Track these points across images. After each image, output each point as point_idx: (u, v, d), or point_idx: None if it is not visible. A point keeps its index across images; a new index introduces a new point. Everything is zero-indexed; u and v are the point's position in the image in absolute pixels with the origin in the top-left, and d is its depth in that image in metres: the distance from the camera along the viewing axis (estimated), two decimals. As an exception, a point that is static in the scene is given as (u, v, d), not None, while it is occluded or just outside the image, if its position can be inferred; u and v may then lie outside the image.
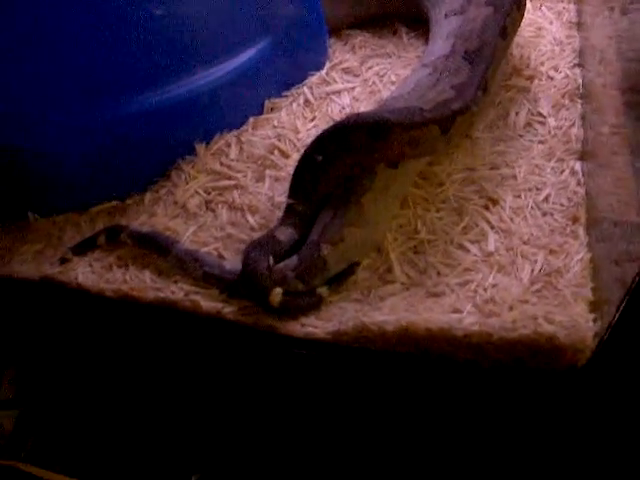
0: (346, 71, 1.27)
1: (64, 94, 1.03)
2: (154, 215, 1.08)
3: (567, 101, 1.16)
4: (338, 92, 1.22)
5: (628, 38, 1.18)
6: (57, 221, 1.10)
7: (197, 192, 1.10)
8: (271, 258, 0.94)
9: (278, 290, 0.90)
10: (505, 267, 0.94)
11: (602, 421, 0.84)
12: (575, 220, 0.99)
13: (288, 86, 1.24)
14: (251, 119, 1.19)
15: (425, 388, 0.90)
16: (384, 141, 0.94)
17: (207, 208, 1.08)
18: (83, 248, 1.04)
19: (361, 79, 1.25)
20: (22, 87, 1.00)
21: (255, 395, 0.96)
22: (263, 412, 0.97)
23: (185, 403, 1.00)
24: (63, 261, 1.02)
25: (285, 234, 0.97)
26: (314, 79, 1.26)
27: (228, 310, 0.94)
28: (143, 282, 0.99)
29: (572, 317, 0.83)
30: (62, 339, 1.02)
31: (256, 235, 1.01)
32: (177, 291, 0.97)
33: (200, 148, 1.14)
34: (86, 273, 1.01)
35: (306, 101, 1.22)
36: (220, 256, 1.00)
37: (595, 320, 0.84)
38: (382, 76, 1.24)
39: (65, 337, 1.01)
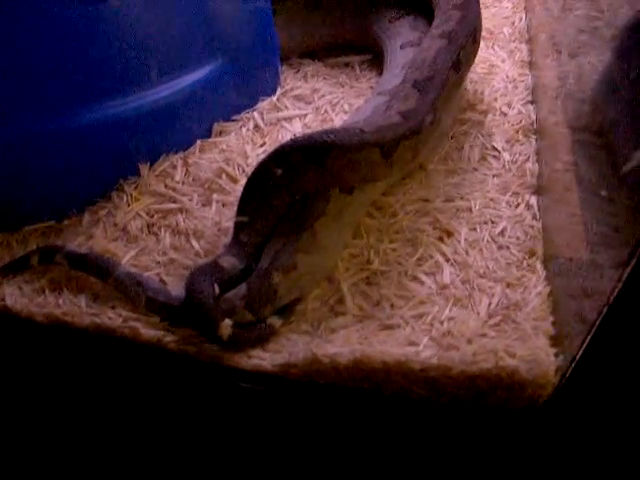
0: (298, 98, 1.24)
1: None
2: (92, 237, 1.02)
3: (521, 136, 1.16)
4: (289, 119, 1.19)
5: (577, 80, 1.19)
6: (-15, 240, 1.03)
7: (139, 214, 1.04)
8: (217, 287, 0.89)
9: (227, 322, 0.85)
10: (461, 300, 0.91)
11: (564, 462, 0.81)
12: (532, 254, 0.96)
13: (238, 110, 1.20)
14: (198, 142, 1.14)
15: (378, 426, 0.85)
16: (321, 164, 0.90)
17: (149, 231, 1.03)
18: (14, 269, 0.97)
19: (313, 107, 1.22)
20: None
21: (198, 430, 0.90)
22: (207, 448, 0.91)
23: (122, 437, 0.93)
24: (-7, 282, 0.95)
25: (229, 262, 0.92)
26: (265, 104, 1.22)
27: (169, 339, 0.88)
28: (78, 307, 0.93)
29: (533, 351, 0.81)
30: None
31: (201, 261, 0.97)
32: (115, 317, 0.91)
33: (144, 169, 1.09)
34: (15, 295, 0.94)
35: (256, 126, 1.18)
36: (162, 281, 0.95)
37: (557, 355, 0.81)
38: (334, 105, 1.22)
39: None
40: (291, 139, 0.95)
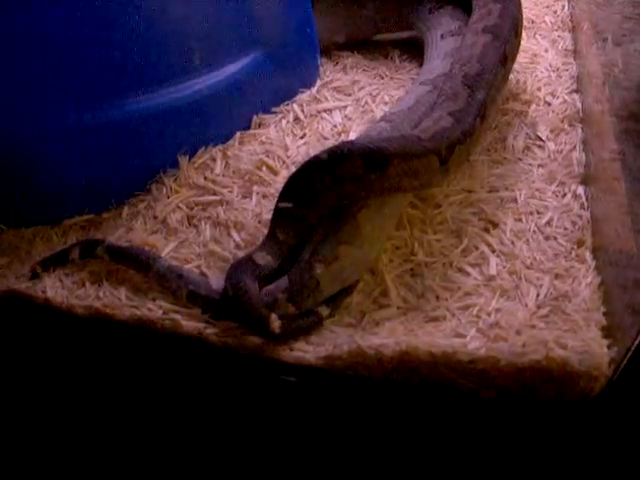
0: (337, 90, 1.23)
1: (38, 97, 0.97)
2: (132, 230, 1.01)
3: (566, 125, 1.13)
4: (329, 110, 1.18)
5: (623, 68, 1.16)
6: (26, 233, 1.03)
7: (179, 207, 1.03)
8: (256, 283, 0.87)
9: (274, 316, 0.83)
10: (508, 291, 0.89)
11: (617, 456, 0.78)
12: (581, 244, 0.94)
13: (277, 102, 1.19)
14: (238, 134, 1.13)
15: (424, 419, 0.83)
16: (381, 172, 0.87)
17: (189, 224, 1.02)
18: (54, 262, 0.96)
19: (353, 98, 1.21)
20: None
21: (238, 424, 0.89)
22: (247, 443, 0.90)
23: (162, 430, 0.92)
24: (34, 276, 0.95)
25: (265, 259, 0.90)
26: (304, 96, 1.21)
27: (210, 331, 0.87)
28: (118, 299, 0.91)
29: (585, 342, 0.78)
30: (27, 359, 0.93)
31: (241, 253, 0.95)
32: (155, 309, 0.90)
33: (183, 161, 1.08)
34: (55, 288, 0.93)
35: (296, 118, 1.17)
36: (202, 274, 0.94)
37: (610, 346, 0.78)
38: (375, 96, 1.20)
39: (31, 357, 0.93)
40: (348, 142, 0.92)
